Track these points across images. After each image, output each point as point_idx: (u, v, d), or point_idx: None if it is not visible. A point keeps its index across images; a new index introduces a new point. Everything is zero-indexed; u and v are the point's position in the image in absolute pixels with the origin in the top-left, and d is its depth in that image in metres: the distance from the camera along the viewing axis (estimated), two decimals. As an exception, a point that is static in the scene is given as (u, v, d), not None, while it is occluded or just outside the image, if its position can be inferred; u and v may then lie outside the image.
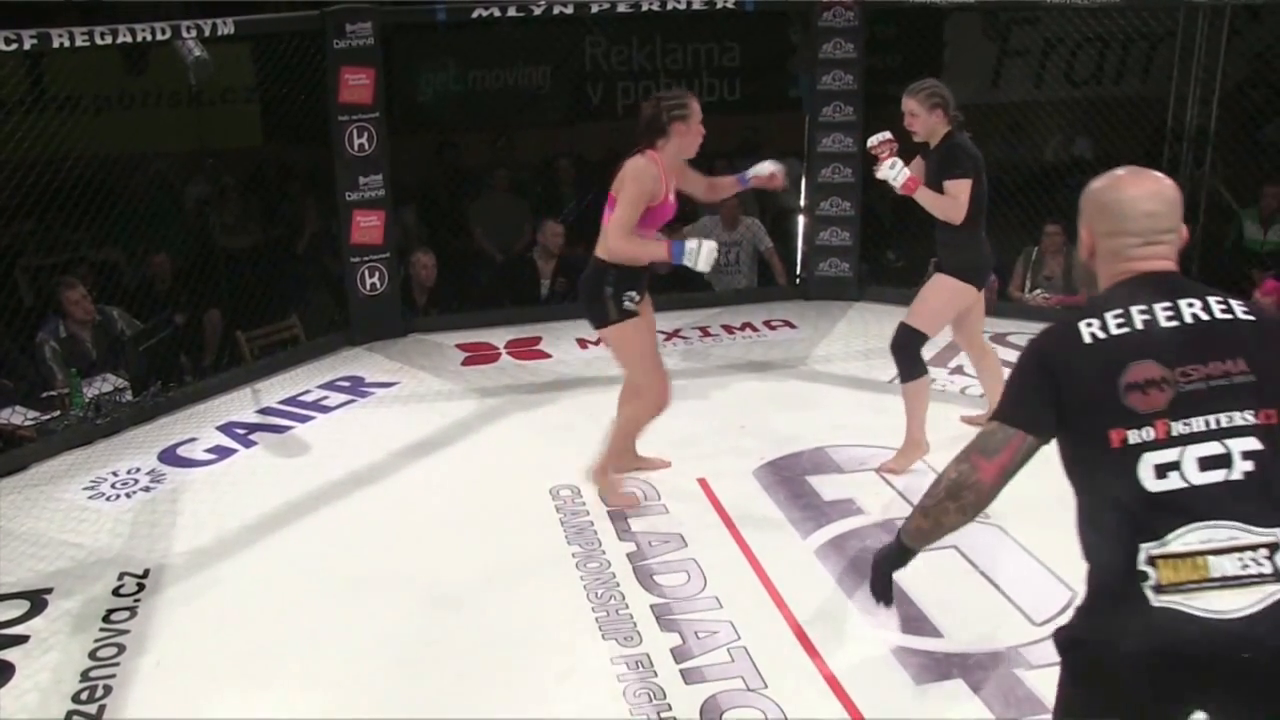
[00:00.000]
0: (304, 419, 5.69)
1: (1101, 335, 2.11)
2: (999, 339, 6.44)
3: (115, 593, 4.11)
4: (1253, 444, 2.02)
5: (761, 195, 8.78)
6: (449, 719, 3.38)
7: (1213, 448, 2.02)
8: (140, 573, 4.24)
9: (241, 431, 5.55)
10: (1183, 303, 2.11)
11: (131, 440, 5.47)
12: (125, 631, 3.86)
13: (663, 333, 6.75)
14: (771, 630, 3.76)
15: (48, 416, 5.47)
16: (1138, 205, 2.19)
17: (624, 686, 3.49)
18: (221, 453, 5.31)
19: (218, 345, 6.92)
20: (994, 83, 10.20)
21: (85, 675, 3.63)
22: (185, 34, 5.56)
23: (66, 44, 5.24)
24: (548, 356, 6.49)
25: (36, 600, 4.06)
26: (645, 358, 4.51)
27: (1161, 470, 2.04)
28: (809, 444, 5.08)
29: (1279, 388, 2.06)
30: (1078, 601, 3.82)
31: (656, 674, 3.54)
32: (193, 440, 5.44)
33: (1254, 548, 2.00)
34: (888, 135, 4.68)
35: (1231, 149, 8.07)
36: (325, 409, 5.82)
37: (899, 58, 9.76)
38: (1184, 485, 2.03)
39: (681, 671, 3.55)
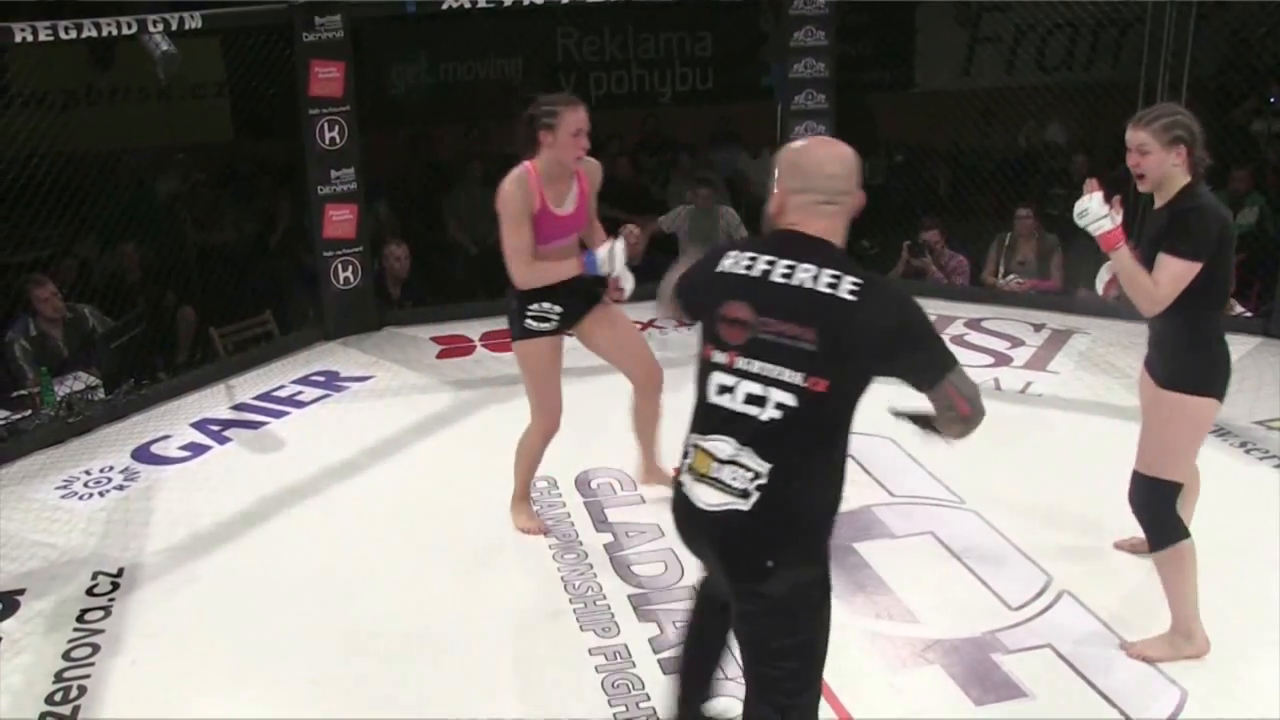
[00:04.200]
0: (279, 414, 5.65)
1: (729, 269, 2.49)
2: (974, 324, 6.48)
3: (89, 592, 4.08)
4: (789, 399, 2.38)
5: (735, 184, 8.81)
6: (428, 714, 3.37)
7: (757, 389, 2.41)
8: (114, 572, 4.21)
9: (216, 428, 5.51)
10: (800, 266, 2.41)
11: (104, 438, 5.42)
12: (100, 631, 3.83)
13: (638, 323, 6.74)
14: (749, 619, 3.76)
15: (18, 416, 5.42)
16: (822, 166, 2.49)
17: (602, 677, 3.49)
18: (196, 450, 5.28)
19: (191, 342, 6.88)
20: (966, 70, 10.24)
21: (59, 676, 3.59)
22: (152, 28, 5.51)
23: (29, 39, 5.17)
24: (523, 348, 6.46)
25: (8, 601, 4.03)
26: (539, 382, 4.24)
27: (720, 389, 2.47)
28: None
29: (837, 364, 2.36)
30: (1052, 586, 3.88)
31: (634, 664, 3.54)
32: (166, 437, 5.40)
33: (747, 469, 2.42)
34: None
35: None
36: (300, 404, 5.78)
37: (870, 45, 9.81)
38: (729, 406, 2.45)
39: (660, 662, 3.54)
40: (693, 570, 4.01)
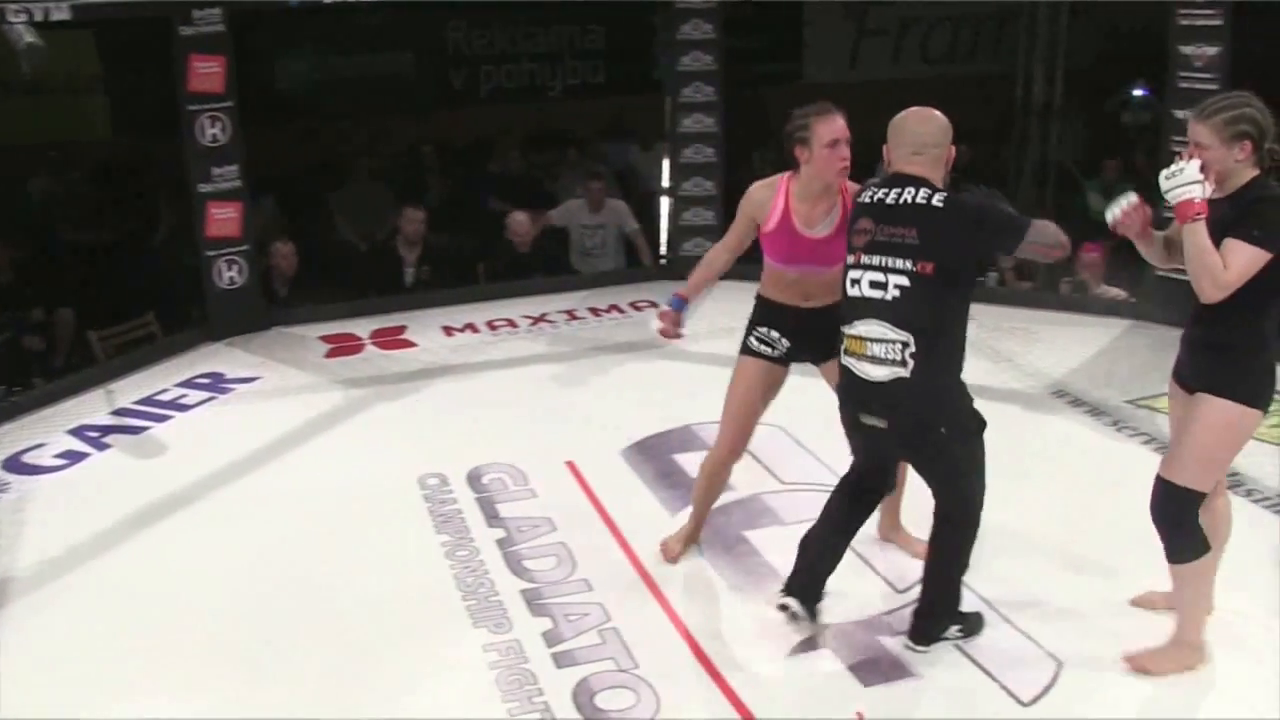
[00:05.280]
0: (161, 419, 5.51)
1: (863, 200, 3.34)
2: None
3: (-42, 609, 3.92)
4: (904, 281, 3.16)
5: (626, 178, 8.82)
6: (321, 716, 3.32)
7: (878, 276, 3.20)
8: (-17, 587, 4.05)
9: (94, 434, 5.34)
10: (905, 190, 3.23)
11: (-28, 449, 5.22)
12: (-32, 648, 3.68)
13: (529, 317, 6.76)
14: (642, 610, 3.78)
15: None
16: (911, 127, 3.32)
17: (496, 674, 3.47)
18: (73, 457, 5.11)
19: (68, 345, 6.67)
20: (853, 62, 10.40)
21: (-80, 699, 3.45)
22: (13, 18, 5.30)
23: None
24: (413, 345, 6.41)
25: None
26: (733, 401, 3.92)
27: (852, 282, 3.27)
28: (676, 422, 5.10)
29: (936, 252, 3.14)
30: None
31: (528, 660, 3.53)
32: (41, 446, 5.21)
33: (892, 342, 3.17)
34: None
35: (1076, 123, 8.37)
36: (183, 407, 5.64)
37: (760, 38, 9.90)
38: (860, 295, 3.24)
39: (553, 656, 3.54)
40: (583, 564, 4.04)
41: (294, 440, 5.21)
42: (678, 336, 3.99)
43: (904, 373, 3.16)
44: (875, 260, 3.19)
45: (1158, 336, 6.11)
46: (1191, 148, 3.08)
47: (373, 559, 4.14)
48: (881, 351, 3.17)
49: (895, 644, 3.55)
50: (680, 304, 3.91)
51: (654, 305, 6.93)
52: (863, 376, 3.23)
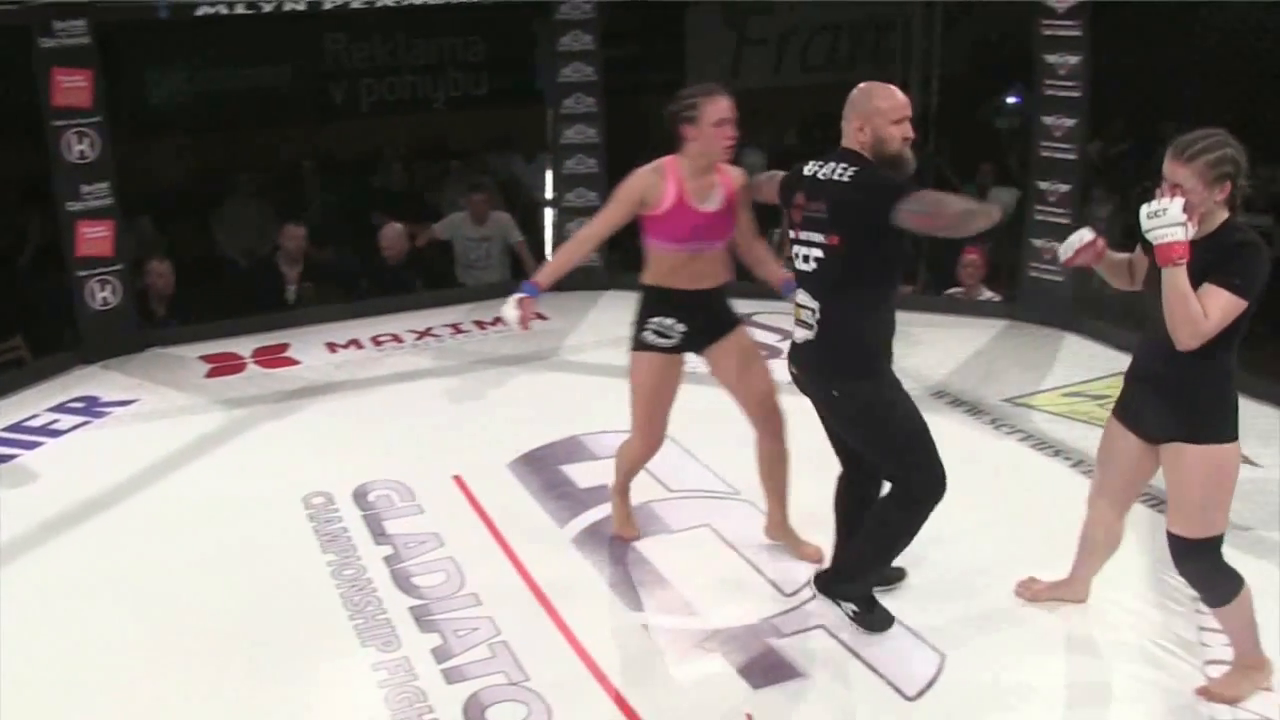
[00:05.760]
0: (31, 445, 5.31)
1: (804, 173, 3.47)
2: (745, 320, 6.65)
3: None
4: (819, 253, 3.41)
5: (510, 190, 8.80)
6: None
7: (803, 250, 3.45)
8: None
9: (-42, 464, 5.14)
10: (829, 165, 3.39)
11: None
12: None
13: (414, 332, 6.69)
14: (532, 622, 3.77)
15: None
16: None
17: (385, 692, 3.42)
18: (-65, 488, 4.90)
19: (-71, 372, 6.40)
20: (734, 71, 10.53)
21: None
22: None
23: None
24: (296, 363, 6.30)
25: None
26: (642, 400, 3.98)
27: (795, 257, 3.50)
28: (563, 433, 5.11)
29: (843, 224, 3.34)
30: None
31: (417, 677, 3.49)
32: (-102, 478, 5.00)
33: (811, 309, 3.45)
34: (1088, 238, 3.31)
35: (951, 129, 8.60)
36: (55, 433, 5.45)
37: (641, 48, 9.96)
38: (798, 268, 3.50)
39: (443, 671, 3.51)
40: (471, 578, 4.02)
41: (174, 463, 5.07)
42: (528, 328, 3.99)
43: (811, 336, 3.46)
44: (804, 235, 3.43)
45: (1031, 336, 6.35)
46: (1170, 187, 2.96)
47: (258, 581, 4.05)
48: (807, 317, 3.46)
49: (784, 646, 3.59)
50: (534, 290, 3.93)
51: (541, 318, 6.89)
52: (795, 338, 3.55)
